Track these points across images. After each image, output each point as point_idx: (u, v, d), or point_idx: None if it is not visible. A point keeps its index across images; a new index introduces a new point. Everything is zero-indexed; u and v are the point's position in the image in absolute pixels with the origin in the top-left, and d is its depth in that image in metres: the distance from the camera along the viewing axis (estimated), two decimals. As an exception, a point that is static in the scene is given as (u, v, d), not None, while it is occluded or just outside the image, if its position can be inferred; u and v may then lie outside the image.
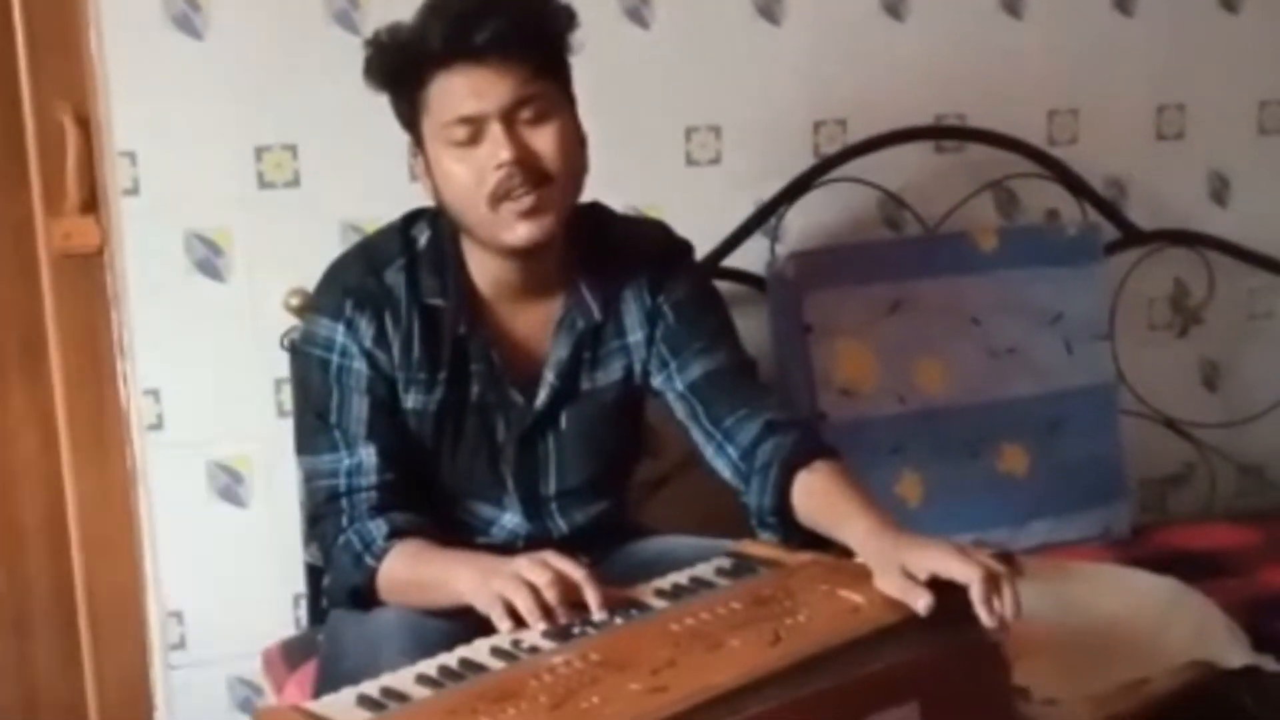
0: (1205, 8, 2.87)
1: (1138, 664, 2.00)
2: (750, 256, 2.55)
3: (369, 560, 1.76)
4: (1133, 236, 2.79)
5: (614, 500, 1.96)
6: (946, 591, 1.52)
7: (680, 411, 1.88)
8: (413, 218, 1.87)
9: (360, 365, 1.81)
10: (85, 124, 2.31)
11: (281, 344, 2.24)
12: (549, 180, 1.74)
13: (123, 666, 2.47)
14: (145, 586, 2.43)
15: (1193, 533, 2.65)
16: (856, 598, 1.55)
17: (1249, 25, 2.89)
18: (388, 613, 1.75)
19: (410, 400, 1.83)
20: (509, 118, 1.72)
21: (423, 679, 1.45)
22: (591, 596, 1.57)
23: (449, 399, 1.83)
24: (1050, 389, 2.58)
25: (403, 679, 1.45)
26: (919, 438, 2.48)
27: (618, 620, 1.55)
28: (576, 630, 1.53)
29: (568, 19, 1.77)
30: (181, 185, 2.32)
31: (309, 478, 1.87)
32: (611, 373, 1.89)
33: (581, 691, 1.38)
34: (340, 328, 1.80)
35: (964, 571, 1.52)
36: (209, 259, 2.35)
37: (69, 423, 2.40)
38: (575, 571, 1.59)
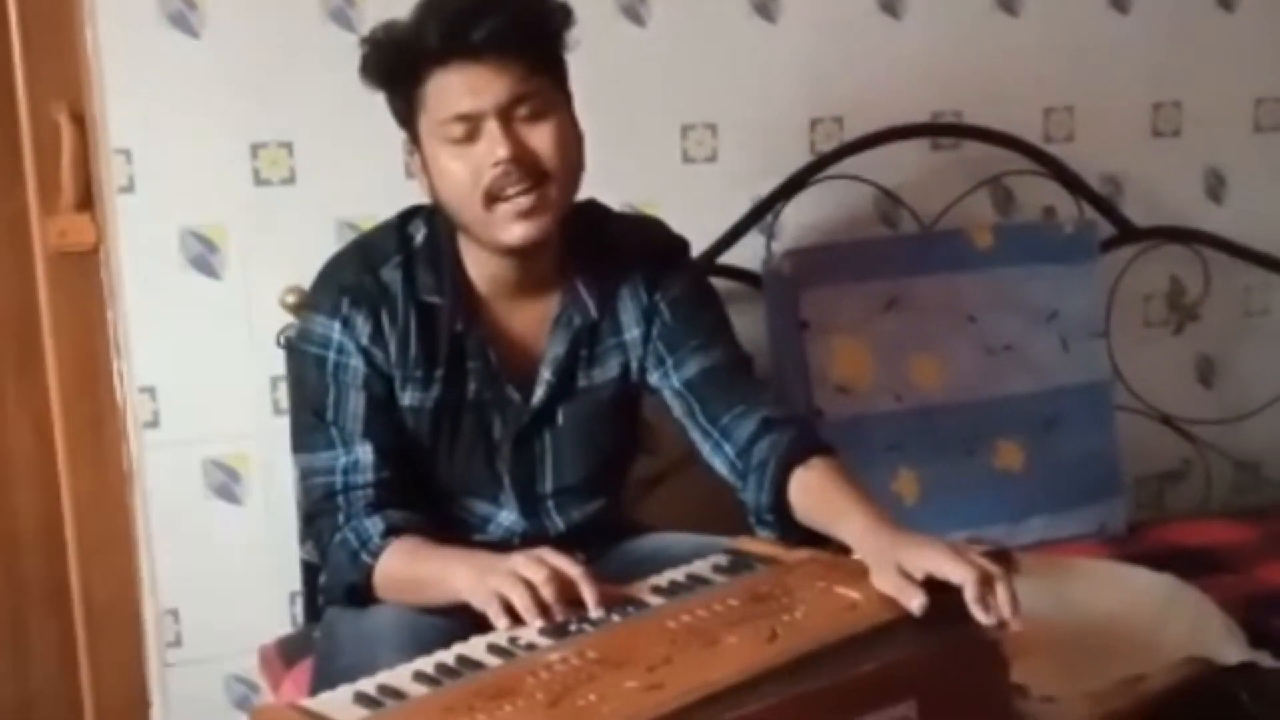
0: (1201, 5, 2.87)
1: (1135, 660, 2.00)
2: (747, 254, 2.55)
3: (365, 558, 1.76)
4: (1129, 234, 2.79)
5: (611, 498, 1.96)
6: (943, 590, 1.52)
7: (677, 409, 1.88)
8: (409, 215, 1.87)
9: (357, 362, 1.81)
10: (81, 121, 2.31)
11: (277, 341, 2.23)
12: (546, 178, 1.73)
13: (119, 664, 2.47)
14: (141, 584, 2.43)
15: (1189, 529, 2.65)
16: (853, 595, 1.55)
17: (1245, 23, 2.89)
18: (384, 610, 1.75)
19: (407, 398, 1.83)
20: (505, 115, 1.72)
21: (420, 676, 1.45)
22: (588, 594, 1.57)
23: (445, 396, 1.83)
24: (1046, 386, 2.59)
25: (400, 676, 1.45)
26: (915, 435, 2.49)
27: (614, 618, 1.55)
28: (573, 628, 1.53)
29: (564, 16, 1.77)
30: (177, 182, 2.31)
31: (305, 475, 1.87)
32: (608, 370, 1.89)
33: (578, 689, 1.38)
34: (336, 325, 1.80)
35: (958, 573, 1.52)
36: (204, 256, 2.35)
37: (64, 420, 2.40)
38: (572, 569, 1.59)
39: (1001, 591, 1.52)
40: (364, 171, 2.32)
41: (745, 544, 1.75)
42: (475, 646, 1.51)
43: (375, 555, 1.76)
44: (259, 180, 2.35)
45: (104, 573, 2.44)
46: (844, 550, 1.67)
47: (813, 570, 1.64)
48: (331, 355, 1.81)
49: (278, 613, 2.42)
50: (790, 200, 2.57)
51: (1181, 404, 2.89)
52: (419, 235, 1.85)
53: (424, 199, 1.84)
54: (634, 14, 2.50)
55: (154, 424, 2.36)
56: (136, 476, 2.39)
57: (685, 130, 2.56)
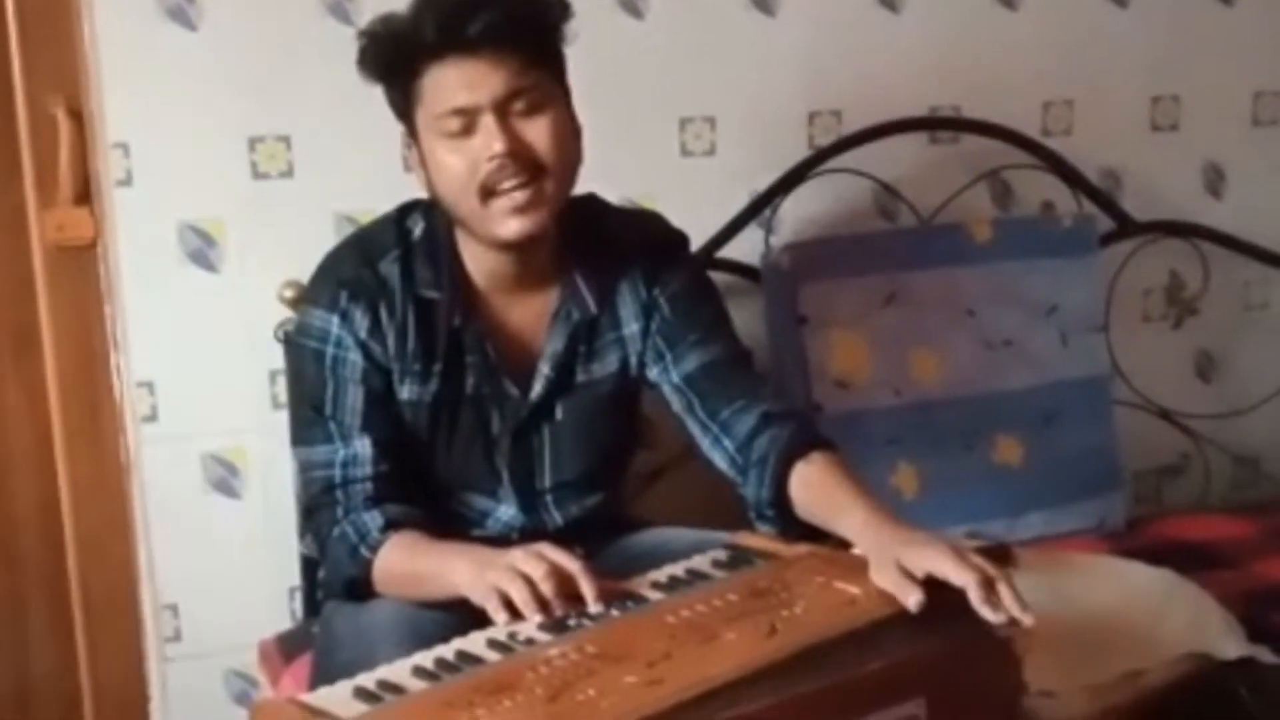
0: (1200, -1, 2.87)
1: (1133, 655, 2.00)
2: (745, 248, 2.55)
3: (364, 552, 1.76)
4: (1128, 228, 2.79)
5: (610, 492, 1.96)
6: (943, 588, 1.52)
7: (676, 404, 1.88)
8: (407, 209, 1.87)
9: (355, 356, 1.80)
10: (78, 115, 2.30)
11: (276, 335, 2.23)
12: (542, 172, 1.73)
13: (118, 659, 2.47)
14: (140, 579, 2.43)
15: (1188, 524, 2.65)
16: (853, 590, 1.55)
17: (1243, 16, 2.89)
18: (383, 605, 1.75)
19: (405, 392, 1.83)
20: (502, 109, 1.71)
21: (419, 671, 1.45)
22: (587, 589, 1.57)
23: (444, 391, 1.83)
24: (1045, 380, 2.58)
25: (399, 671, 1.45)
26: (914, 429, 2.48)
27: (614, 612, 1.55)
28: (572, 622, 1.53)
29: (561, 10, 1.77)
30: (175, 176, 2.31)
31: (304, 469, 1.86)
32: (607, 365, 1.89)
33: (577, 684, 1.38)
34: (335, 319, 1.80)
35: (959, 575, 1.52)
36: (203, 250, 2.34)
37: (62, 415, 2.40)
38: (571, 564, 1.59)
39: (1005, 591, 1.51)
40: (362, 165, 2.32)
41: (745, 539, 1.75)
42: (474, 641, 1.51)
43: (374, 550, 1.76)
44: (257, 174, 2.35)
45: (103, 568, 2.44)
46: (844, 545, 1.67)
47: (812, 565, 1.63)
48: (330, 349, 1.81)
49: (277, 608, 2.42)
50: (789, 194, 2.57)
51: (1180, 399, 2.89)
52: (417, 229, 1.84)
53: (422, 193, 1.84)
54: (632, 7, 2.49)
55: (152, 418, 2.36)
56: (135, 471, 2.39)
57: (683, 124, 2.56)
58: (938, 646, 1.49)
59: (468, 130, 1.72)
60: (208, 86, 2.29)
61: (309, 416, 1.84)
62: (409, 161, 1.84)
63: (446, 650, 1.49)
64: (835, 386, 2.45)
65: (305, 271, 1.91)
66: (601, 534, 1.92)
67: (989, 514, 2.48)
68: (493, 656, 1.47)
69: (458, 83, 1.71)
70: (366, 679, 1.44)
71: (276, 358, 2.27)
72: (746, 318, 2.30)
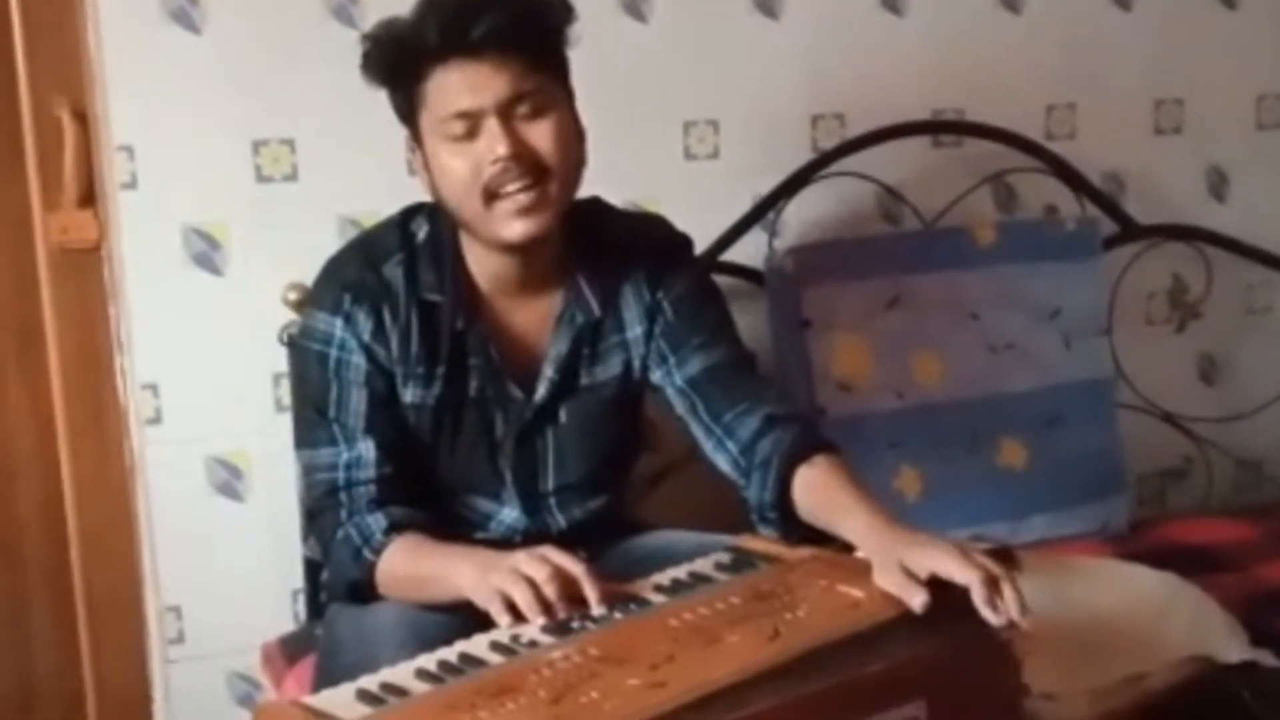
0: (1203, 2, 2.87)
1: (1136, 659, 2.00)
2: (748, 251, 2.55)
3: (368, 554, 1.76)
4: (1131, 231, 2.79)
5: (613, 495, 1.96)
6: (946, 589, 1.52)
7: (680, 406, 1.88)
8: (411, 212, 1.87)
9: (359, 359, 1.81)
10: (83, 118, 2.31)
11: (280, 338, 2.24)
12: (546, 174, 1.74)
13: (121, 661, 2.47)
14: (143, 581, 2.43)
15: (1191, 528, 2.65)
16: (856, 593, 1.55)
17: (1247, 20, 2.89)
18: (386, 607, 1.75)
19: (409, 395, 1.83)
20: (506, 112, 1.72)
21: (422, 674, 1.45)
22: (590, 591, 1.57)
23: (447, 394, 1.83)
24: (1048, 384, 2.58)
25: (402, 673, 1.45)
26: (917, 432, 2.48)
27: (617, 615, 1.55)
28: (575, 625, 1.53)
29: (565, 13, 1.77)
30: (179, 179, 2.31)
31: (308, 472, 1.87)
32: (611, 368, 1.89)
33: (580, 686, 1.38)
34: (339, 322, 1.80)
35: (963, 574, 1.52)
36: (207, 253, 2.34)
37: (67, 417, 2.40)
38: (574, 566, 1.59)
39: (1008, 591, 1.52)
40: (366, 168, 2.32)
41: (748, 542, 1.75)
42: (477, 644, 1.51)
43: (378, 552, 1.76)
44: (261, 177, 2.35)
45: (106, 570, 2.44)
46: (847, 548, 1.67)
47: (815, 568, 1.63)
48: (334, 352, 1.81)
49: (280, 610, 2.42)
50: (792, 197, 2.57)
51: (1183, 402, 2.89)
52: (421, 232, 1.85)
53: (426, 196, 1.84)
54: (636, 10, 2.50)
55: (156, 421, 2.36)
56: (138, 473, 2.39)
57: (687, 127, 2.56)
58: (938, 648, 1.50)
59: (472, 133, 1.72)
60: (212, 89, 2.30)
61: (312, 419, 1.84)
62: (413, 165, 1.85)
63: (449, 652, 1.49)
64: (838, 389, 2.45)
65: (309, 274, 1.91)
66: (604, 537, 1.92)
67: (992, 517, 2.48)
68: (495, 659, 1.47)
69: (461, 86, 1.71)
70: (369, 681, 1.44)
71: (280, 360, 2.27)
72: (750, 321, 2.30)
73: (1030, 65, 2.74)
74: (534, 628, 1.53)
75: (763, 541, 1.75)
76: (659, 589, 1.62)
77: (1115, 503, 2.62)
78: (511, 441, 1.87)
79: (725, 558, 1.70)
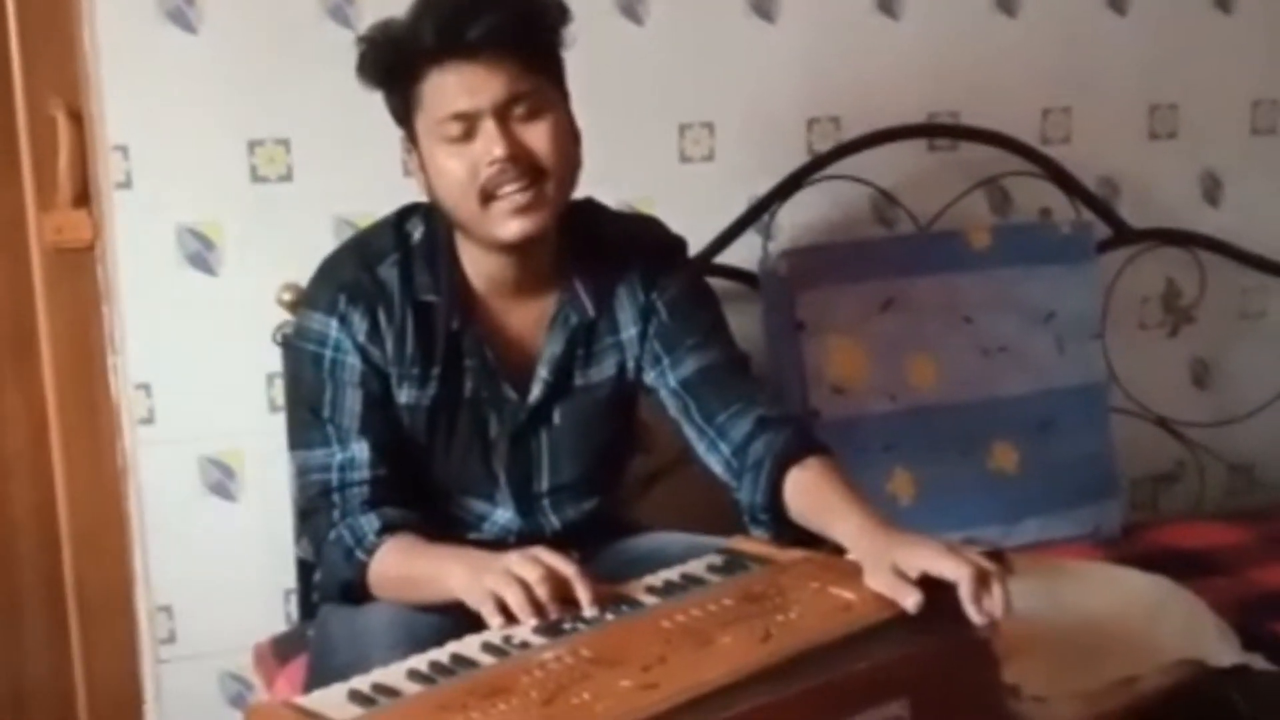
0: (1198, 7, 2.87)
1: (1128, 662, 2.00)
2: (743, 253, 2.55)
3: (360, 555, 1.76)
4: (1125, 235, 2.79)
5: (606, 496, 1.96)
6: (937, 590, 1.52)
7: (673, 408, 1.88)
8: (406, 213, 1.87)
9: (353, 360, 1.81)
10: (78, 117, 2.30)
11: (274, 339, 2.24)
12: (543, 175, 1.74)
13: (112, 661, 2.47)
14: (135, 581, 2.43)
15: (1183, 531, 2.65)
16: (848, 595, 1.55)
17: (1242, 25, 2.89)
18: (378, 608, 1.75)
19: (403, 395, 1.83)
20: (502, 114, 1.72)
21: (414, 674, 1.45)
22: (583, 592, 1.57)
23: (442, 394, 1.83)
24: (1042, 387, 2.59)
25: (394, 674, 1.45)
26: (911, 435, 2.49)
27: (609, 616, 1.55)
28: (568, 626, 1.53)
29: (560, 14, 1.77)
30: (174, 179, 2.31)
31: (301, 472, 1.87)
32: (605, 369, 1.89)
33: (572, 687, 1.38)
34: (334, 322, 1.80)
35: (954, 570, 1.52)
36: (201, 253, 2.34)
37: (60, 417, 2.40)
38: (566, 567, 1.59)
39: (996, 589, 1.52)
40: (361, 169, 2.32)
41: (740, 544, 1.75)
42: (469, 645, 1.51)
43: (370, 553, 1.76)
44: (256, 177, 2.35)
45: (98, 569, 2.44)
46: (838, 550, 1.67)
47: (807, 570, 1.64)
48: (328, 352, 1.81)
49: (272, 610, 2.42)
50: (787, 200, 2.57)
51: (1176, 406, 2.89)
52: (416, 233, 1.85)
53: (421, 197, 1.84)
54: (632, 12, 2.50)
55: (149, 421, 2.36)
56: (131, 473, 2.39)
57: (682, 129, 2.56)
58: (920, 647, 1.50)
59: (468, 135, 1.72)
60: (207, 89, 2.30)
61: (307, 419, 1.84)
62: (408, 166, 1.85)
63: (441, 653, 1.49)
64: (832, 392, 2.46)
65: (304, 275, 1.91)
66: (598, 538, 1.92)
67: (985, 520, 2.49)
68: (487, 660, 1.47)
69: (457, 88, 1.71)
70: (361, 682, 1.44)
71: (274, 361, 2.27)
72: (744, 323, 2.30)
73: (1026, 69, 2.74)
74: (526, 629, 1.53)
75: (755, 543, 1.75)
76: (651, 590, 1.62)
77: (1108, 506, 2.62)
78: (506, 442, 1.87)
79: (717, 559, 1.70)
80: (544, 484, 1.90)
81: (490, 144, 1.71)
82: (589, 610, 1.56)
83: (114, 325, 2.36)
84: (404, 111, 1.78)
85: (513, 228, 1.74)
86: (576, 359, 1.88)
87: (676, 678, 1.38)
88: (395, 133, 1.82)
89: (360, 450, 1.81)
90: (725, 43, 2.55)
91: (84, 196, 2.34)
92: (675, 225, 1.98)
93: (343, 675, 1.47)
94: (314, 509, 1.83)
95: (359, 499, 1.79)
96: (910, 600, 1.51)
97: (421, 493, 1.85)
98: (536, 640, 1.51)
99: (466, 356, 1.84)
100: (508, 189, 1.72)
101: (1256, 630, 2.16)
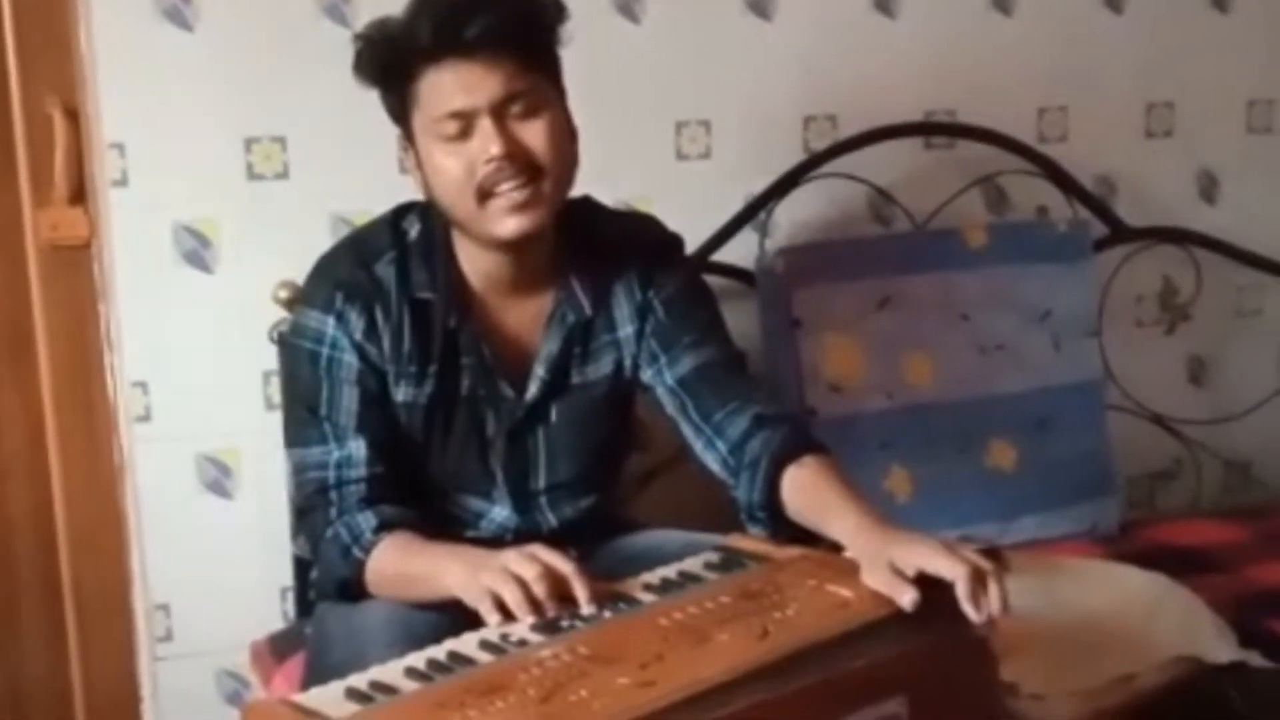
0: (1195, 6, 2.88)
1: (1125, 659, 2.00)
2: (740, 251, 2.55)
3: (357, 553, 1.76)
4: (1121, 234, 2.79)
5: (603, 494, 1.96)
6: (934, 587, 1.52)
7: (670, 406, 1.88)
8: (403, 211, 1.87)
9: (350, 358, 1.80)
10: (74, 115, 2.30)
11: (270, 336, 2.23)
12: (540, 173, 1.74)
13: (109, 659, 2.47)
14: (132, 579, 2.43)
15: (1180, 529, 2.65)
16: (845, 592, 1.55)
17: (1238, 24, 2.89)
18: (376, 605, 1.75)
19: (400, 393, 1.83)
20: (499, 112, 1.72)
21: (411, 672, 1.45)
22: (580, 590, 1.57)
23: (439, 392, 1.83)
24: (1038, 385, 2.59)
25: (391, 672, 1.45)
26: (908, 433, 2.49)
27: (606, 614, 1.55)
28: (565, 624, 1.53)
29: (557, 12, 1.77)
30: (170, 177, 2.31)
31: (298, 470, 1.86)
32: (602, 367, 1.89)
33: (570, 685, 1.38)
34: (331, 320, 1.80)
35: (950, 568, 1.52)
36: (197, 251, 2.34)
37: (56, 415, 2.40)
38: (564, 565, 1.59)
39: (993, 587, 1.52)
40: (358, 166, 2.32)
41: (737, 541, 1.75)
42: (467, 642, 1.51)
43: (367, 551, 1.76)
44: (252, 175, 2.35)
45: (95, 567, 2.44)
46: (835, 548, 1.68)
47: (804, 568, 1.64)
48: (325, 350, 1.81)
49: (269, 608, 2.42)
50: (783, 198, 2.57)
51: (1173, 404, 2.89)
52: (413, 231, 1.84)
53: (417, 195, 1.84)
54: (628, 10, 2.50)
55: (146, 418, 2.36)
56: (128, 471, 2.39)
57: (679, 127, 2.56)
58: (918, 645, 1.50)
59: (465, 133, 1.72)
60: (204, 87, 2.30)
61: (303, 417, 1.84)
62: (405, 164, 1.85)
63: (439, 651, 1.49)
64: (829, 390, 2.46)
65: (300, 273, 1.91)
66: (595, 536, 1.92)
67: (982, 518, 2.49)
68: (485, 657, 1.47)
69: (454, 86, 1.71)
70: (358, 679, 1.44)
71: (270, 359, 2.27)
72: (741, 321, 2.30)
73: (1022, 68, 2.74)
74: (523, 627, 1.53)
75: (752, 541, 1.75)
76: (648, 588, 1.62)
77: (1105, 504, 2.62)
78: (503, 440, 1.87)
79: (714, 557, 1.70)
80: (541, 482, 1.90)
81: (487, 142, 1.71)
82: (586, 608, 1.56)
83: (110, 323, 2.36)
84: (401, 110, 1.77)
85: (510, 225, 1.74)
86: (573, 357, 1.88)
87: (674, 675, 1.38)
88: (392, 131, 1.82)
89: (357, 448, 1.80)
90: (722, 41, 2.55)
91: (80, 194, 2.34)
92: (672, 223, 1.98)
93: (340, 673, 1.47)
94: (311, 507, 1.83)
95: (356, 497, 1.79)
96: (906, 598, 1.52)
97: (418, 491, 1.85)
98: (534, 638, 1.50)
99: (463, 354, 1.84)
100: (505, 187, 1.72)
101: (1253, 627, 2.16)
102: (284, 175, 2.36)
